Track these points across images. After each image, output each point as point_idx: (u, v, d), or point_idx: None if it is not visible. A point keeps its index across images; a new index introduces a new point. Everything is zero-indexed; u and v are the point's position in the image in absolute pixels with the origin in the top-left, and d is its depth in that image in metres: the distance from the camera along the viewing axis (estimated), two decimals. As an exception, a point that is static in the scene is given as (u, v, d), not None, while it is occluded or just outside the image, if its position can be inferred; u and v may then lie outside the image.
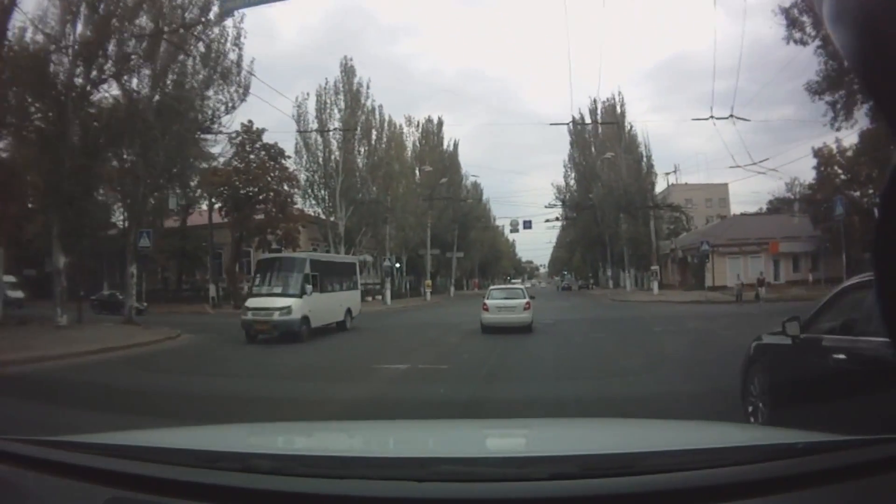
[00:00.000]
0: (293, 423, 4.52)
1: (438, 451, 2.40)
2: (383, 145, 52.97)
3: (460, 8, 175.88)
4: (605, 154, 63.50)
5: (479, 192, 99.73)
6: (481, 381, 11.20)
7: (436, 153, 68.13)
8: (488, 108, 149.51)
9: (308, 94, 49.10)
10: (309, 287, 20.04)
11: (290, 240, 46.14)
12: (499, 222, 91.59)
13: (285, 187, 45.75)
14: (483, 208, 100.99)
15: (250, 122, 45.39)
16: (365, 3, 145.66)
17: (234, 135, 42.90)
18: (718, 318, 24.00)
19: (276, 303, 19.34)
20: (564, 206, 74.10)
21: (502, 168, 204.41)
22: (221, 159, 44.05)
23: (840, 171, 44.22)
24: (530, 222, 51.01)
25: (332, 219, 49.83)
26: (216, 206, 46.85)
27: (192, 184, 45.38)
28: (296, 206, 47.04)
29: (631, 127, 54.03)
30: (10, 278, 33.45)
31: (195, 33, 28.10)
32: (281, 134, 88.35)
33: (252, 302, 20.08)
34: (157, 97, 27.82)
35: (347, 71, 51.67)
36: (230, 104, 32.14)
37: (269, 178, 45.47)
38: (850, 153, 43.14)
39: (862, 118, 27.57)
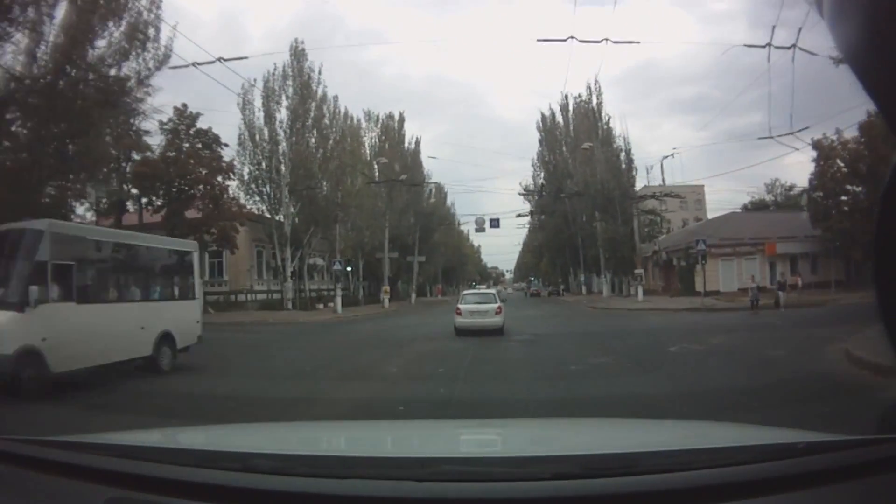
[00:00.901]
0: (293, 423, 4.36)
1: (439, 451, 2.38)
2: (335, 135, 47.10)
3: (427, 15, 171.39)
4: (580, 148, 58.85)
5: (444, 195, 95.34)
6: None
7: (396, 150, 62.62)
8: (455, 115, 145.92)
9: (255, 80, 43.21)
10: (48, 290, 10.33)
11: (226, 240, 39.94)
12: (464, 227, 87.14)
13: (220, 179, 39.55)
14: (447, 211, 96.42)
15: (184, 105, 39.44)
16: (333, 8, 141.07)
17: (165, 120, 37.60)
18: (739, 331, 18.83)
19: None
20: (533, 206, 69.27)
21: (468, 175, 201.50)
22: (156, 149, 38.05)
23: (842, 164, 39.55)
24: (498, 220, 45.45)
25: (277, 217, 43.84)
26: (147, 202, 40.36)
27: (107, 172, 38.91)
28: (234, 202, 40.76)
29: (608, 119, 48.76)
30: None
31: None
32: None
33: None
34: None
35: (297, 55, 45.87)
36: (144, 73, 26.71)
37: (202, 169, 39.23)
38: (851, 145, 38.70)
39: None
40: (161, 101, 37.80)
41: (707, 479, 1.60)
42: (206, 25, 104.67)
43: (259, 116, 44.17)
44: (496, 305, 20.58)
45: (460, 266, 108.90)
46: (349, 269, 40.70)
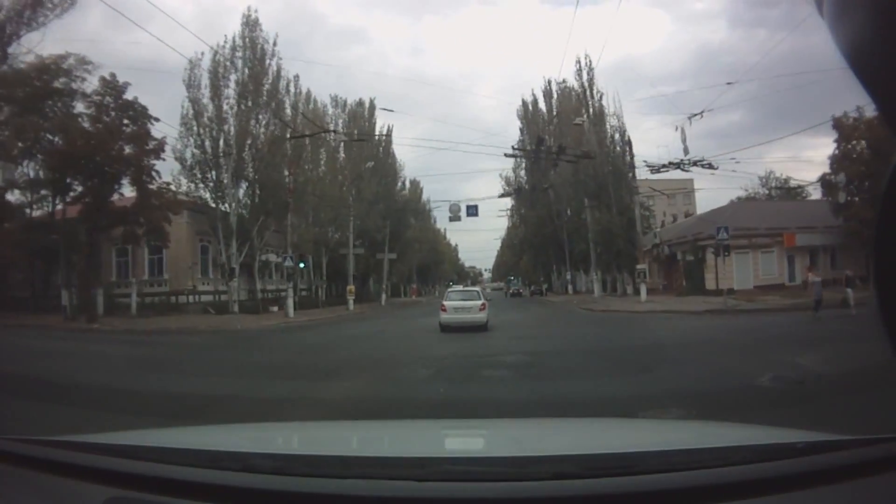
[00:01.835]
0: (293, 423, 4.34)
1: (439, 451, 2.47)
2: (287, 111, 40.84)
3: (406, 14, 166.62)
4: (571, 125, 53.08)
5: (419, 191, 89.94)
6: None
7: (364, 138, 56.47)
8: (433, 115, 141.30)
9: (203, 53, 36.95)
10: None
11: (156, 232, 33.51)
12: (440, 225, 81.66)
13: (150, 162, 33.09)
14: (423, 207, 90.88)
15: (112, 75, 32.96)
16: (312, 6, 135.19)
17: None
18: (823, 344, 12.95)
19: None
20: (514, 199, 63.56)
21: (446, 173, 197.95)
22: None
23: (865, 145, 34.12)
24: (476, 208, 38.98)
25: (222, 207, 37.45)
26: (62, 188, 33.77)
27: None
28: (167, 188, 34.28)
29: (601, 96, 42.57)
30: None
31: None
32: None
33: None
34: None
35: (250, 24, 39.53)
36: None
37: (129, 146, 32.80)
38: (875, 123, 33.27)
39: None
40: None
41: (707, 479, 1.59)
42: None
43: (206, 94, 37.93)
44: (480, 302, 20.74)
45: (436, 265, 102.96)
46: (302, 265, 34.19)
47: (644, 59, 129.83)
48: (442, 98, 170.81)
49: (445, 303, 20.98)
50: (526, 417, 5.72)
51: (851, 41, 0.76)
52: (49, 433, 2.14)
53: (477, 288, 29.42)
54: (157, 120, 33.35)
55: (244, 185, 37.42)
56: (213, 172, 37.19)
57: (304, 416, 6.84)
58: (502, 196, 51.37)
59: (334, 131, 43.12)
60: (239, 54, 38.45)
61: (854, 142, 34.66)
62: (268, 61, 39.22)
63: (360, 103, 58.95)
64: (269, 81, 38.90)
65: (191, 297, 38.35)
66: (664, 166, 28.94)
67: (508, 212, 68.96)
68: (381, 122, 59.73)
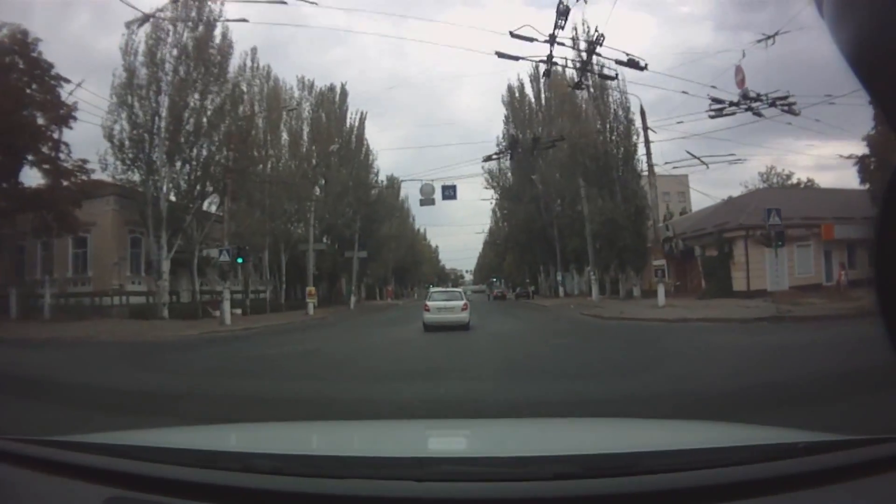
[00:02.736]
0: (293, 423, 4.06)
1: (439, 451, 2.45)
2: (244, 88, 34.70)
3: (390, 17, 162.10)
4: (552, 130, 47.32)
5: (397, 187, 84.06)
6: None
7: (335, 126, 50.57)
8: (416, 117, 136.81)
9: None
10: None
11: (63, 221, 27.12)
12: (420, 227, 76.35)
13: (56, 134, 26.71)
14: (400, 205, 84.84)
15: (24, 32, 26.56)
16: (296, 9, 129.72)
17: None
18: None
19: None
20: (498, 192, 57.77)
21: (428, 177, 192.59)
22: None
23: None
24: (454, 189, 32.01)
25: (153, 191, 31.03)
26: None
27: None
28: (79, 167, 27.82)
29: (602, 67, 36.18)
30: None
31: None
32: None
33: None
34: None
35: (195, -17, 33.25)
36: None
37: (38, 113, 26.48)
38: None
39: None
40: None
41: (707, 479, 1.58)
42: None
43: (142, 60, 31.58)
44: (462, 302, 20.99)
45: (415, 266, 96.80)
46: (240, 260, 27.79)
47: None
48: (425, 100, 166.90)
49: (429, 303, 21.05)
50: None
51: (851, 41, 0.75)
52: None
53: (459, 289, 29.13)
54: (66, 81, 26.92)
55: (179, 164, 31.03)
56: (147, 149, 30.83)
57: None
58: (490, 157, 45.03)
59: (288, 108, 36.52)
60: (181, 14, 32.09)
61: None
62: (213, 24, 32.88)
63: (332, 88, 53.07)
64: (216, 46, 32.65)
65: (118, 299, 31.91)
66: (734, 104, 21.79)
67: (492, 203, 63.07)
68: (353, 110, 54.26)
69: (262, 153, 36.86)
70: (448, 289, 29.82)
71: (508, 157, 53.59)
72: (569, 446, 2.34)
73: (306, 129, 47.59)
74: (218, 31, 31.97)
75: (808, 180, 54.84)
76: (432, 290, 26.33)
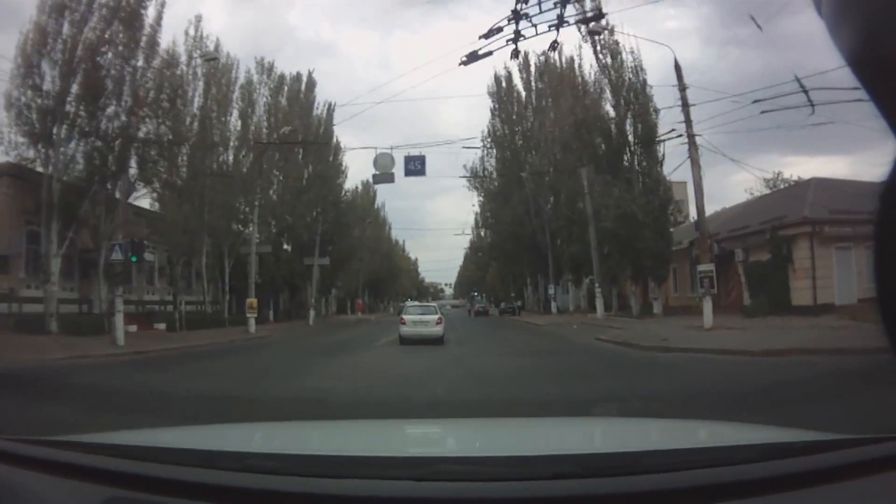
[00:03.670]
0: (293, 423, 4.04)
1: (438, 451, 2.39)
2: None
3: (376, 29, 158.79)
4: (544, 118, 41.34)
5: (372, 193, 77.75)
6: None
7: (298, 115, 44.04)
8: (399, 129, 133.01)
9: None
10: None
11: None
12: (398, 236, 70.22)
13: None
14: (377, 213, 78.63)
15: None
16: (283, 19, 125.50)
17: None
18: None
19: None
20: (482, 195, 51.62)
21: (411, 191, 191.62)
22: None
23: None
24: (422, 161, 24.65)
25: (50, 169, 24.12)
26: None
27: None
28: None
29: (611, 26, 29.03)
30: None
31: None
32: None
33: None
34: None
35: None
36: None
37: None
38: None
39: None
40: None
41: (707, 479, 1.55)
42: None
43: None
44: (437, 317, 21.06)
45: (392, 278, 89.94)
46: (135, 259, 20.60)
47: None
48: (409, 112, 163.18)
49: (405, 316, 21.31)
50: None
51: (851, 41, 0.73)
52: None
53: (435, 304, 29.13)
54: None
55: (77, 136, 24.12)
56: (49, 119, 23.91)
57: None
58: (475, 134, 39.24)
59: (207, 56, 29.60)
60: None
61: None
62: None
63: (297, 77, 46.43)
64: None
65: (8, 306, 24.85)
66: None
67: (474, 206, 56.97)
68: (322, 100, 47.79)
69: (191, 127, 29.96)
70: (424, 304, 29.69)
71: (493, 153, 47.60)
72: (569, 446, 2.37)
73: (261, 115, 40.85)
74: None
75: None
76: (408, 304, 27.14)
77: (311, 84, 47.02)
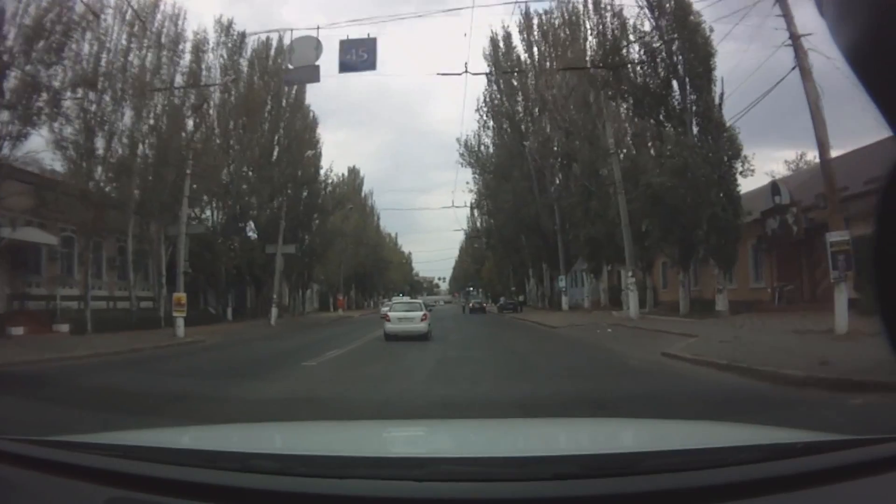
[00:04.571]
0: (293, 423, 4.05)
1: (438, 451, 2.35)
2: None
3: (369, 24, 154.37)
4: (549, 80, 34.75)
5: (359, 180, 71.72)
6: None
7: (262, 81, 37.78)
8: (393, 127, 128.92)
9: None
10: None
11: None
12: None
13: None
14: (363, 200, 72.30)
15: None
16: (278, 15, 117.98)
17: None
18: None
19: None
20: (478, 178, 45.16)
21: (405, 185, 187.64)
22: None
23: None
24: (373, 43, 19.15)
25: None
26: None
27: None
28: None
29: None
30: None
31: None
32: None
33: None
34: None
35: None
36: None
37: None
38: None
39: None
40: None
41: (707, 479, 1.55)
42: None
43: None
44: (422, 313, 20.72)
45: (381, 273, 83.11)
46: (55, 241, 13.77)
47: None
48: (401, 110, 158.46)
49: (390, 313, 21.09)
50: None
51: (851, 41, 0.73)
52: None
53: (420, 300, 28.57)
54: None
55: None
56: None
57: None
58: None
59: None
60: None
61: None
62: None
63: (266, 43, 39.71)
64: None
65: None
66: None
67: (469, 189, 50.30)
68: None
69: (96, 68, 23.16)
70: (408, 300, 28.92)
71: (490, 125, 41.04)
72: (569, 446, 2.37)
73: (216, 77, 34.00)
74: None
75: None
76: (394, 300, 27.18)
77: (281, 49, 40.45)
